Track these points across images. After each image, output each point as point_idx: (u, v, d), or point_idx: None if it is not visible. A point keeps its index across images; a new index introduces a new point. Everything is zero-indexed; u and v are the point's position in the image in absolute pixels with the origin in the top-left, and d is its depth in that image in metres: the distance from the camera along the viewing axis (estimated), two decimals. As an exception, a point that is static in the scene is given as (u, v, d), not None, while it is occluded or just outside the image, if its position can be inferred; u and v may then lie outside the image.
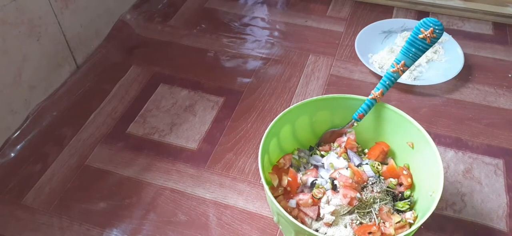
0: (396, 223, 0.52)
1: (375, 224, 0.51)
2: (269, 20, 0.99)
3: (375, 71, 0.81)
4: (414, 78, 0.81)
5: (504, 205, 0.62)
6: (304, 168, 0.60)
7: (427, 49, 0.54)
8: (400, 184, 0.57)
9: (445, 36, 0.89)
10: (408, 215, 0.53)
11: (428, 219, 0.47)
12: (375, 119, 0.61)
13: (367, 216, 0.52)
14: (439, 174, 0.51)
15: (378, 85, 0.58)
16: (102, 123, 0.75)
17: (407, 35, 0.89)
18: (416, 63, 0.83)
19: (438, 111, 0.76)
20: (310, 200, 0.52)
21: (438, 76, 0.81)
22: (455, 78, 0.80)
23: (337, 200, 0.51)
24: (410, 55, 0.55)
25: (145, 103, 0.79)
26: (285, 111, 0.58)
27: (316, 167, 0.59)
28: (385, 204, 0.53)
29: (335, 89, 0.80)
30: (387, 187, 0.56)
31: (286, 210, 0.49)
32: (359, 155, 0.61)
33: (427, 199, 0.52)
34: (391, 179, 0.57)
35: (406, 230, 0.48)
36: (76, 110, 0.78)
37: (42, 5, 0.75)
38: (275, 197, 0.54)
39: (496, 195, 0.63)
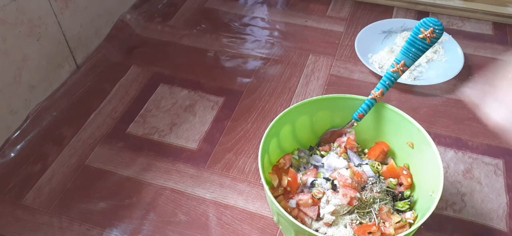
0: (396, 223, 0.52)
1: (375, 224, 0.51)
2: (269, 20, 0.99)
3: (375, 71, 0.81)
4: (414, 78, 0.81)
5: (504, 205, 0.62)
6: (304, 168, 0.60)
7: (427, 49, 0.54)
8: (400, 184, 0.57)
9: (445, 36, 0.89)
10: (408, 215, 0.53)
11: (428, 219, 0.47)
12: (375, 119, 0.61)
13: (367, 216, 0.52)
14: (439, 174, 0.51)
15: (378, 85, 0.58)
16: (102, 123, 0.75)
17: (407, 35, 0.89)
18: (416, 63, 0.83)
19: (438, 111, 0.76)
20: (310, 200, 0.52)
21: (438, 76, 0.81)
22: (455, 78, 0.80)
23: (337, 200, 0.51)
24: (410, 55, 0.55)
25: (145, 103, 0.79)
26: (285, 111, 0.58)
27: (316, 167, 0.59)
28: (385, 204, 0.53)
29: (335, 89, 0.80)
30: (387, 187, 0.56)
31: (286, 210, 0.49)
32: (359, 155, 0.61)
33: (427, 199, 0.52)
34: (391, 179, 0.57)
35: (406, 230, 0.48)
36: (76, 110, 0.78)
37: (42, 5, 0.75)
38: (275, 197, 0.54)
39: (496, 195, 0.63)
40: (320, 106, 0.61)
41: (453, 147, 0.70)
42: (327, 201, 0.52)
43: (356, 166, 0.57)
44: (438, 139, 0.71)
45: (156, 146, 0.71)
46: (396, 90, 0.80)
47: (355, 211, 0.52)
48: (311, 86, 0.81)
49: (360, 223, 0.51)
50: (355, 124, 0.61)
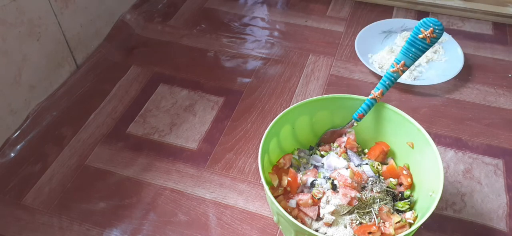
0: (396, 223, 0.52)
1: (375, 224, 0.51)
2: (269, 20, 0.99)
3: (375, 71, 0.81)
4: (414, 78, 0.81)
5: (504, 205, 0.62)
6: (304, 168, 0.60)
7: (427, 49, 0.54)
8: (400, 184, 0.57)
9: (445, 36, 0.89)
10: (408, 215, 0.53)
11: (428, 219, 0.47)
12: (375, 119, 0.61)
13: (367, 216, 0.52)
14: (439, 174, 0.51)
15: (378, 85, 0.58)
16: (102, 123, 0.75)
17: (407, 35, 0.89)
18: (416, 63, 0.83)
19: (438, 111, 0.76)
20: (310, 200, 0.52)
21: (438, 76, 0.81)
22: (455, 78, 0.80)
23: (337, 200, 0.51)
24: (410, 55, 0.55)
25: (145, 103, 0.79)
26: (285, 111, 0.58)
27: (316, 167, 0.59)
28: (385, 204, 0.53)
29: (335, 89, 0.80)
30: (387, 187, 0.56)
31: (286, 210, 0.49)
32: (359, 155, 0.61)
33: (427, 199, 0.52)
34: (391, 179, 0.57)
35: (406, 230, 0.48)
36: (76, 110, 0.78)
37: (42, 5, 0.75)
38: (275, 197, 0.54)
39: (496, 195, 0.63)
40: (320, 106, 0.61)
41: (453, 147, 0.70)
42: (327, 201, 0.52)
43: (356, 166, 0.57)
44: (438, 139, 0.71)
45: (156, 146, 0.71)
46: (396, 90, 0.80)
47: (355, 211, 0.52)
48: (311, 86, 0.81)
49: (360, 223, 0.51)
50: (355, 124, 0.61)
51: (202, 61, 0.88)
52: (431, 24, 0.52)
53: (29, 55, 0.74)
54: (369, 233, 0.50)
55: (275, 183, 0.57)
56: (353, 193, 0.51)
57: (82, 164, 0.69)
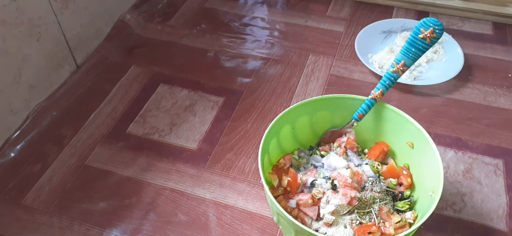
0: (396, 223, 0.52)
1: (375, 224, 0.51)
2: (269, 20, 0.99)
3: (375, 71, 0.81)
4: (414, 78, 0.81)
5: (504, 205, 0.62)
6: (304, 168, 0.60)
7: (427, 49, 0.54)
8: (400, 184, 0.57)
9: (445, 36, 0.89)
10: (408, 215, 0.53)
11: (428, 219, 0.47)
12: (375, 119, 0.61)
13: (367, 216, 0.52)
14: (439, 174, 0.51)
15: (378, 85, 0.58)
16: (102, 123, 0.75)
17: (407, 35, 0.89)
18: (416, 63, 0.83)
19: (438, 111, 0.76)
20: (310, 200, 0.52)
21: (438, 76, 0.81)
22: (455, 78, 0.80)
23: (337, 200, 0.51)
24: (410, 55, 0.55)
25: (145, 103, 0.79)
26: (285, 111, 0.58)
27: (316, 167, 0.59)
28: (385, 204, 0.53)
29: (335, 89, 0.80)
30: (387, 187, 0.56)
31: (286, 210, 0.49)
32: (359, 155, 0.61)
33: (427, 199, 0.52)
34: (391, 179, 0.57)
35: (406, 230, 0.48)
36: (76, 110, 0.78)
37: (42, 5, 0.75)
38: (275, 197, 0.54)
39: (496, 195, 0.63)
40: (320, 106, 0.61)
41: (453, 147, 0.70)
42: (327, 201, 0.52)
43: (356, 166, 0.57)
44: (438, 139, 0.71)
45: (156, 146, 0.71)
46: (396, 90, 0.80)
47: (355, 211, 0.52)
48: (311, 86, 0.81)
49: (360, 223, 0.51)
50: (355, 124, 0.61)
51: (202, 61, 0.88)
52: (431, 24, 0.52)
53: (29, 55, 0.74)
54: (369, 233, 0.50)
55: (275, 183, 0.57)
56: (353, 193, 0.51)
57: (82, 164, 0.69)
